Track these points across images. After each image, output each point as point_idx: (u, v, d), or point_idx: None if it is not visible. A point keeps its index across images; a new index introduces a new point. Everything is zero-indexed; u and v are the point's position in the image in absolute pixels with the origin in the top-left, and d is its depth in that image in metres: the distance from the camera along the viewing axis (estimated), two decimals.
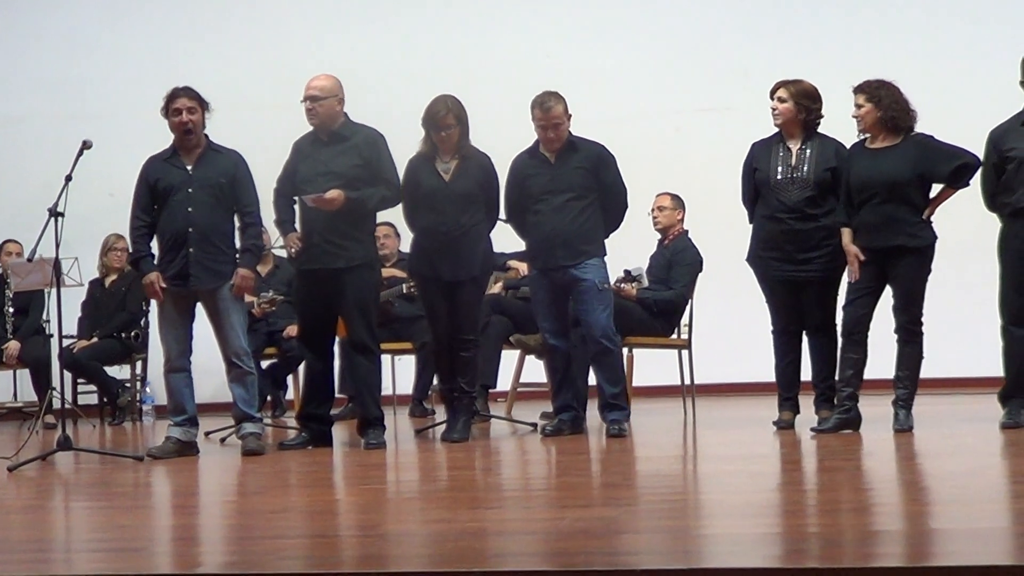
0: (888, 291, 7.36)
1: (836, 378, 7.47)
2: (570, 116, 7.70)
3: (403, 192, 7.70)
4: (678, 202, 9.19)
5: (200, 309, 7.54)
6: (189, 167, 7.44)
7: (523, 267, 9.47)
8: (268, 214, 7.66)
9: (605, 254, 7.80)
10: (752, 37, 11.38)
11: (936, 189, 7.35)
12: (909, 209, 7.24)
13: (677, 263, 8.98)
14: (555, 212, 7.67)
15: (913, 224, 7.24)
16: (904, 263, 7.27)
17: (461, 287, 7.69)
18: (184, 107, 7.40)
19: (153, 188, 7.47)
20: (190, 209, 7.39)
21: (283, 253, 9.80)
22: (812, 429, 7.33)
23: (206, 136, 7.53)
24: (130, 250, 7.99)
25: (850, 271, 7.35)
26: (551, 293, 7.79)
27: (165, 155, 7.53)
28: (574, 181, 7.67)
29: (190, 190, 7.40)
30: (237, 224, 7.57)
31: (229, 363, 7.51)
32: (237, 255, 7.54)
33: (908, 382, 7.32)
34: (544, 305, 7.87)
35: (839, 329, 7.46)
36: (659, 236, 9.19)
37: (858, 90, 7.35)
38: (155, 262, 7.49)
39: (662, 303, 8.87)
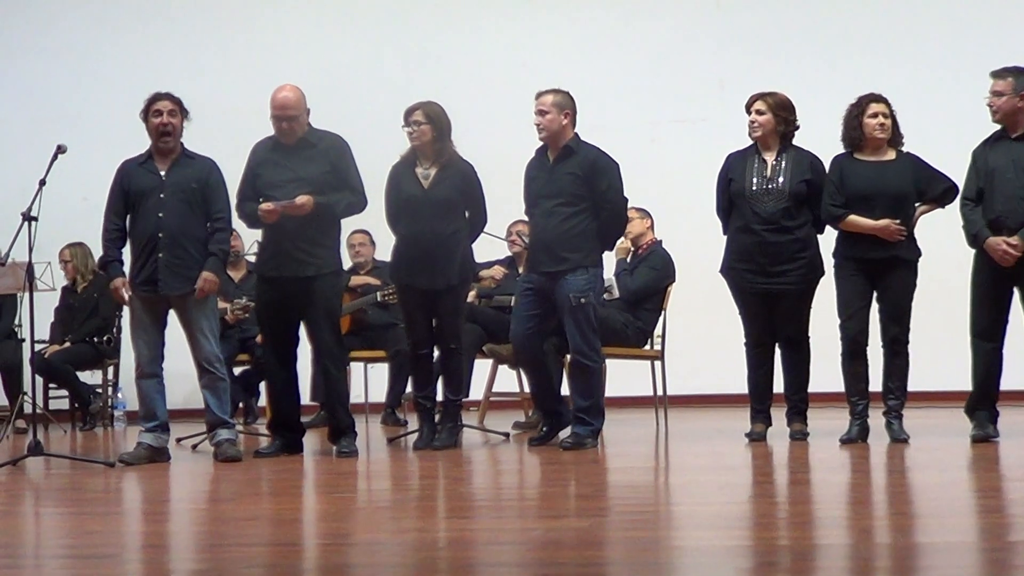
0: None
1: (845, 391, 7.50)
2: (566, 114, 7.62)
3: (385, 198, 7.71)
4: (643, 213, 9.14)
5: (173, 315, 7.51)
6: (163, 172, 7.42)
7: (497, 273, 9.47)
8: (240, 221, 7.63)
9: (595, 265, 7.61)
10: (726, 49, 11.40)
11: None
12: (904, 222, 7.34)
13: (642, 264, 8.96)
14: (544, 216, 7.61)
15: (907, 236, 7.35)
16: (896, 275, 7.38)
17: (440, 296, 7.67)
18: (165, 109, 7.38)
19: (127, 193, 7.44)
20: (161, 214, 7.37)
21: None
22: (841, 441, 7.33)
23: (182, 144, 7.51)
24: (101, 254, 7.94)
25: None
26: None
27: (140, 160, 7.51)
28: (564, 187, 7.55)
29: (162, 195, 7.38)
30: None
31: (201, 369, 7.48)
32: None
33: (899, 392, 7.43)
34: None
35: (840, 344, 7.48)
36: (631, 247, 9.17)
37: (877, 100, 7.39)
38: (127, 267, 7.47)
39: (634, 291, 8.83)
